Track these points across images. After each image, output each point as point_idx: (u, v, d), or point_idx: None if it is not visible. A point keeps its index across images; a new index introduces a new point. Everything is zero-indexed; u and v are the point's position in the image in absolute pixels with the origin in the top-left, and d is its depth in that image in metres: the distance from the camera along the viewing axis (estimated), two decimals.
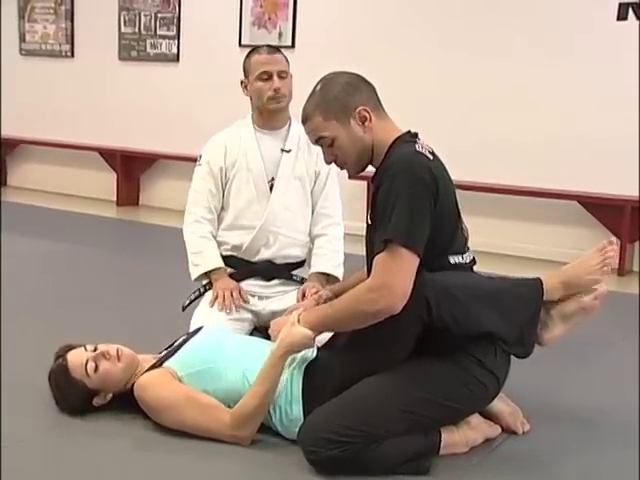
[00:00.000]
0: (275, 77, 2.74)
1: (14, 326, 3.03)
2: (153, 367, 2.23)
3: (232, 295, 2.70)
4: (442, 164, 2.09)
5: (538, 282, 2.09)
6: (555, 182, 5.03)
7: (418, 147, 2.06)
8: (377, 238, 2.00)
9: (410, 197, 1.95)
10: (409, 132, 2.14)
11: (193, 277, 2.84)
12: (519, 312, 2.07)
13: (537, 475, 2.07)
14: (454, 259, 2.09)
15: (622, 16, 4.78)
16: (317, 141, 2.13)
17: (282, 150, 2.81)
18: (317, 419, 1.98)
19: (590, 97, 4.94)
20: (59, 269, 4.29)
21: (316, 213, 2.89)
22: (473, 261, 2.17)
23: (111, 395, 2.24)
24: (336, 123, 2.07)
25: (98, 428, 2.20)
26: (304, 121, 2.13)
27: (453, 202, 2.10)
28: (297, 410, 2.09)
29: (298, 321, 2.08)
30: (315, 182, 2.89)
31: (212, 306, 2.69)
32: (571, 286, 2.02)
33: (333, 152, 2.12)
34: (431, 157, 2.05)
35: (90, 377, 2.18)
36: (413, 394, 2.00)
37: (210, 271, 2.79)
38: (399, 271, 1.94)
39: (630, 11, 4.75)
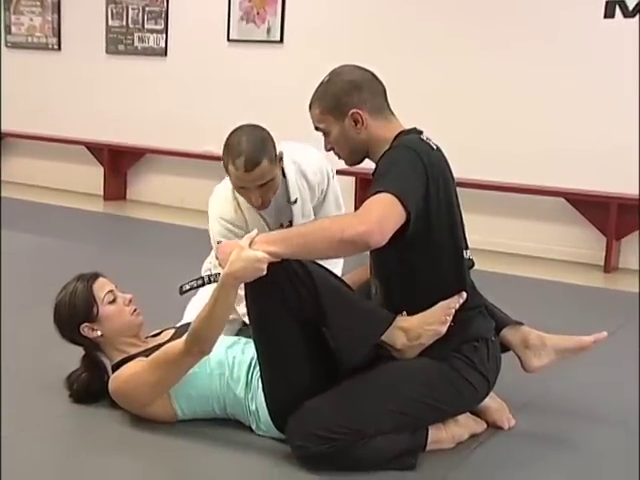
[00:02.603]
0: (255, 192, 2.42)
1: (2, 320, 3.01)
2: (132, 357, 2.22)
3: None
4: (445, 159, 2.12)
5: (390, 319, 2.03)
6: (542, 179, 5.05)
7: (423, 137, 2.11)
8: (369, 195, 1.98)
9: (406, 165, 1.98)
10: (414, 128, 2.16)
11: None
12: (358, 325, 2.01)
13: (523, 471, 2.08)
14: (465, 254, 2.11)
15: (609, 14, 4.80)
16: (316, 129, 2.18)
17: (289, 202, 2.61)
18: (307, 415, 1.97)
19: (577, 96, 4.96)
20: (45, 264, 4.27)
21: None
22: (472, 262, 2.18)
23: (99, 334, 2.24)
24: (332, 119, 2.12)
25: (97, 419, 2.21)
26: (309, 108, 2.19)
27: (455, 195, 2.12)
28: (263, 415, 2.08)
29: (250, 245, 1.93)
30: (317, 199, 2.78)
31: None
32: (411, 335, 2.00)
33: (329, 142, 2.18)
34: (434, 147, 2.09)
35: (103, 304, 2.24)
36: (404, 394, 2.00)
37: None
38: (385, 211, 1.90)
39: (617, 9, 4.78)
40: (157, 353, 2.13)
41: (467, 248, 2.15)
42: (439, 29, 5.36)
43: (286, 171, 2.60)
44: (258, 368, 2.11)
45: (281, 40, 5.89)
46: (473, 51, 5.23)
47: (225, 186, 2.61)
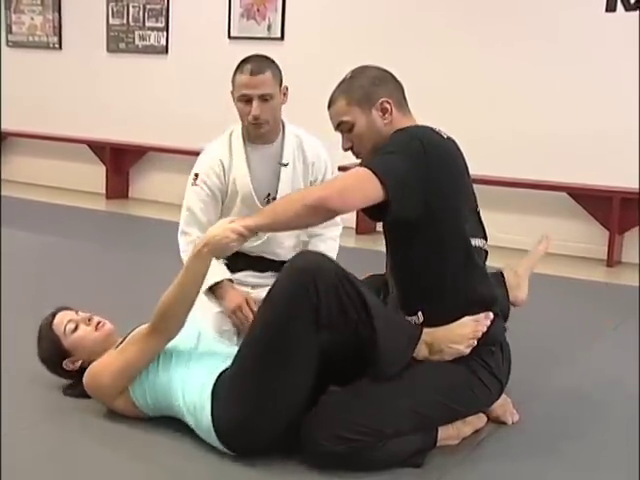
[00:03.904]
0: (255, 102, 2.56)
1: (3, 319, 3.02)
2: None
3: (243, 311, 2.59)
4: (458, 148, 2.11)
5: (418, 334, 2.03)
6: (545, 174, 5.04)
7: (434, 128, 2.11)
8: None
9: (400, 149, 1.98)
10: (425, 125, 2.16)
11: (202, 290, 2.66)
12: (399, 342, 2.00)
13: (526, 465, 2.08)
14: (475, 242, 2.09)
15: (610, 8, 4.79)
16: (338, 126, 2.15)
17: (280, 164, 2.71)
18: (330, 415, 1.95)
19: (579, 91, 4.95)
20: (48, 262, 4.27)
21: None
22: (486, 252, 2.18)
23: (80, 362, 2.27)
24: (358, 109, 2.10)
25: (96, 418, 2.22)
26: (329, 105, 2.17)
27: (467, 184, 2.11)
28: (203, 421, 2.02)
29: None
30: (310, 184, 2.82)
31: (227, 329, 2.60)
32: (434, 350, 2.01)
33: (350, 139, 2.14)
34: (445, 136, 2.09)
35: (66, 336, 2.28)
36: (425, 396, 1.99)
37: (214, 286, 2.65)
38: (352, 182, 1.95)
39: (619, 3, 4.76)
40: (126, 339, 2.19)
41: (484, 238, 2.14)
42: (442, 24, 5.35)
43: (286, 134, 2.73)
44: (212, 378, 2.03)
45: (282, 37, 5.89)
46: (476, 47, 5.22)
47: (226, 134, 2.76)
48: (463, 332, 2.02)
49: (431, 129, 2.10)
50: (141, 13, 6.59)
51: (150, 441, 2.10)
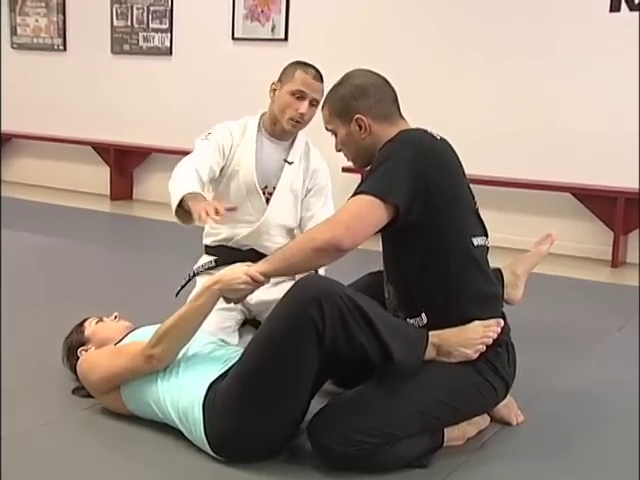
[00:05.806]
0: (307, 102, 2.66)
1: (8, 320, 3.02)
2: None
3: (208, 212, 2.31)
4: (451, 148, 2.11)
5: (426, 337, 2.01)
6: (549, 174, 5.04)
7: (426, 130, 2.11)
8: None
9: (395, 160, 1.98)
10: (417, 128, 2.16)
11: (173, 210, 2.61)
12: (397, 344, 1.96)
13: (530, 466, 2.08)
14: (477, 241, 2.08)
15: (614, 8, 4.78)
16: (326, 129, 2.22)
17: (285, 161, 2.79)
18: (339, 418, 1.94)
19: (583, 90, 4.95)
20: (53, 264, 4.28)
21: (306, 220, 2.86)
22: (487, 247, 2.17)
23: (93, 349, 2.35)
24: (338, 121, 2.15)
25: (99, 421, 2.22)
26: (321, 108, 2.25)
27: (463, 183, 2.11)
28: (198, 410, 1.99)
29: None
30: (306, 195, 2.87)
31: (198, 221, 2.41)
32: (442, 351, 2.01)
33: (338, 143, 2.20)
34: (438, 137, 2.09)
35: (90, 327, 2.43)
36: (432, 397, 1.99)
37: (186, 200, 2.52)
38: (356, 212, 1.95)
39: (623, 2, 4.76)
40: (124, 343, 2.23)
41: (485, 235, 2.13)
42: (446, 25, 5.35)
43: (297, 137, 2.81)
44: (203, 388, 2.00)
45: (285, 38, 5.89)
46: (480, 47, 5.22)
47: (242, 120, 2.83)
48: (472, 336, 2.01)
49: (423, 131, 2.09)
50: (145, 15, 6.61)
51: (155, 442, 2.10)
